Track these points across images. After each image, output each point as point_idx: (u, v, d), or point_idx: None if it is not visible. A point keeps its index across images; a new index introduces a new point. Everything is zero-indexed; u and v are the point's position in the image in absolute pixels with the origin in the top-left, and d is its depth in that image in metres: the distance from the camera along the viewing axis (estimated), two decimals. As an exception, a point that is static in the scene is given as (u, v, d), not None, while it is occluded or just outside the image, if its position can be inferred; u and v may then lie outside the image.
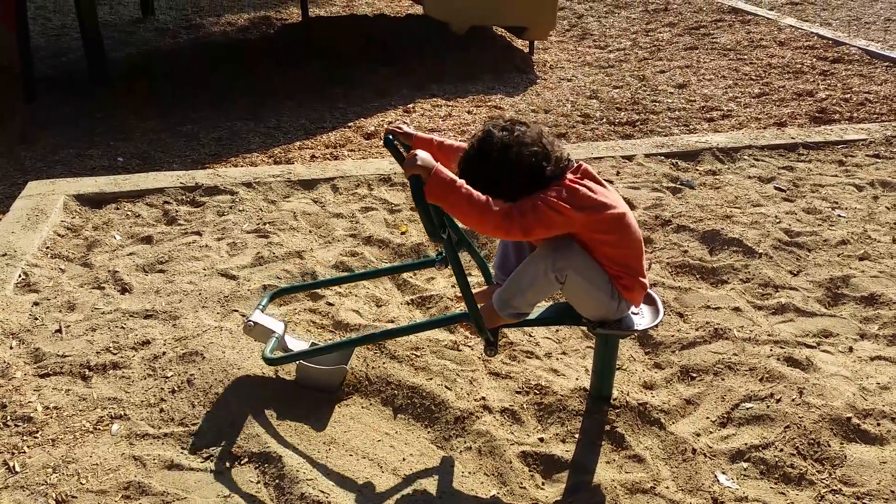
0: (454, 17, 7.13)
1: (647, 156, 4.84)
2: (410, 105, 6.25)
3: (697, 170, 4.72)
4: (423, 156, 2.13)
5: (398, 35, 8.52)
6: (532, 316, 2.48)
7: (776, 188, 4.44)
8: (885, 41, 7.97)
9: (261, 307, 2.72)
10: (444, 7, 7.06)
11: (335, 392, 2.66)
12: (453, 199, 2.13)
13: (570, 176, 2.28)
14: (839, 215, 4.07)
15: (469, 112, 6.10)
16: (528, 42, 7.80)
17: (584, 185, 2.25)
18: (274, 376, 2.70)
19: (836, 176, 4.62)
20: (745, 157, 4.88)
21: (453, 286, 3.40)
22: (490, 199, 2.17)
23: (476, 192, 2.16)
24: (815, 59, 7.36)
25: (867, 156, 4.91)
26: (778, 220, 3.97)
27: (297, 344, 2.73)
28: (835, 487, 2.28)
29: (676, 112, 6.05)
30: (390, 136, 2.60)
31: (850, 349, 2.97)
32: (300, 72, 7.08)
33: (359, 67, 7.11)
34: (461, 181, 2.15)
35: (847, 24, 8.91)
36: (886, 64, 7.09)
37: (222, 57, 7.60)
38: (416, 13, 9.35)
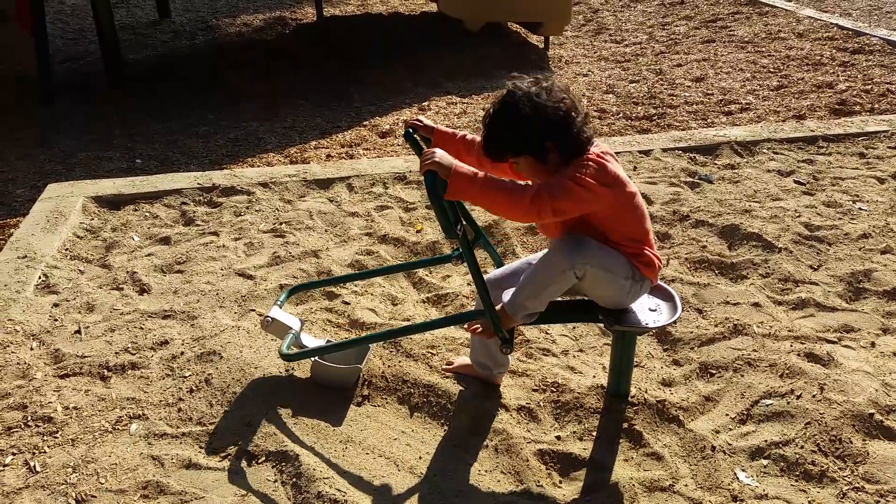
0: (468, 13, 7.12)
1: (664, 150, 4.80)
2: (425, 103, 6.25)
3: (716, 164, 4.67)
4: (440, 153, 2.11)
5: (413, 33, 8.51)
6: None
7: (796, 182, 4.38)
8: (907, 31, 7.84)
9: (279, 303, 2.72)
10: (458, 4, 7.05)
11: (350, 391, 2.66)
12: (478, 190, 2.10)
13: (593, 150, 2.23)
14: (860, 208, 4.01)
15: (484, 109, 6.07)
16: (543, 38, 7.76)
17: (608, 160, 2.22)
18: (287, 374, 2.71)
19: (857, 168, 4.56)
20: (764, 150, 4.83)
21: (469, 284, 3.39)
22: (515, 181, 2.14)
23: (500, 179, 2.12)
24: (834, 51, 7.26)
25: (889, 147, 4.83)
26: (798, 214, 3.92)
27: (312, 342, 2.73)
28: (857, 485, 2.24)
29: (694, 106, 5.99)
30: (410, 130, 2.58)
31: (872, 344, 2.93)
32: (315, 71, 7.10)
33: (373, 66, 7.12)
34: (482, 173, 2.11)
35: (868, 14, 8.78)
36: (908, 54, 6.98)
37: (238, 58, 7.64)
38: (431, 11, 9.34)
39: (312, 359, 2.63)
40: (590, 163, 2.17)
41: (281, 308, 2.71)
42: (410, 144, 2.61)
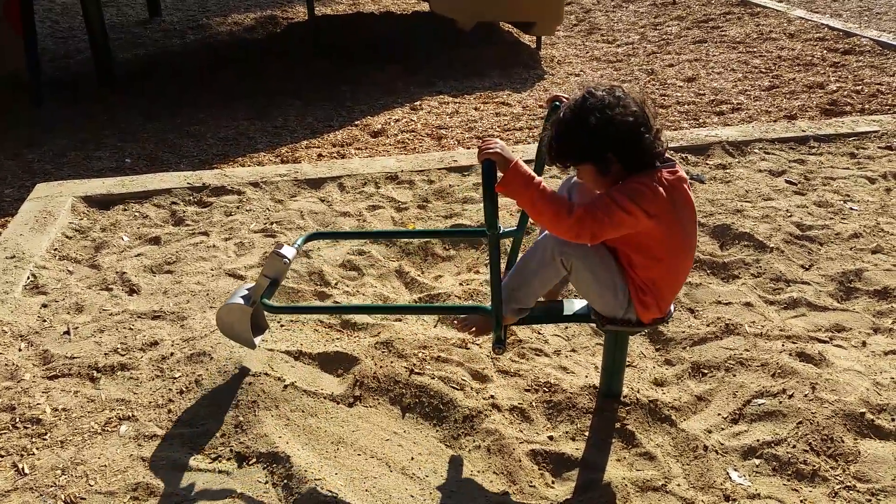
0: (460, 13, 7.11)
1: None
2: (417, 102, 6.23)
3: (707, 164, 4.68)
4: (502, 144, 2.09)
5: (404, 32, 8.50)
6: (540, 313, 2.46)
7: (787, 181, 4.39)
8: (897, 31, 7.88)
9: (296, 246, 2.64)
10: (450, 3, 7.03)
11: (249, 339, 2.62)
12: (529, 195, 2.06)
13: (666, 174, 2.14)
14: (851, 208, 4.02)
15: (476, 109, 6.08)
16: (535, 38, 7.76)
17: (673, 189, 2.12)
18: (278, 375, 2.69)
19: (848, 168, 4.57)
20: (756, 150, 4.84)
21: (461, 284, 3.38)
22: (564, 198, 2.09)
23: (552, 191, 2.08)
24: (825, 51, 7.28)
25: (879, 148, 4.85)
26: (789, 214, 3.93)
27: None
28: (849, 484, 2.25)
29: (686, 106, 6.00)
30: (557, 104, 2.43)
31: (864, 343, 2.93)
32: (307, 71, 7.08)
33: (365, 65, 7.10)
34: (538, 178, 2.08)
35: (858, 15, 8.82)
36: (898, 54, 7.01)
37: (229, 57, 7.61)
38: (423, 10, 9.33)
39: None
40: (647, 186, 2.09)
41: (296, 251, 2.62)
42: (550, 117, 2.43)
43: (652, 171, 2.13)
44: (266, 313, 2.71)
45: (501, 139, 5.40)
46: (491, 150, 2.06)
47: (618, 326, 2.38)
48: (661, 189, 2.09)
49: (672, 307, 2.45)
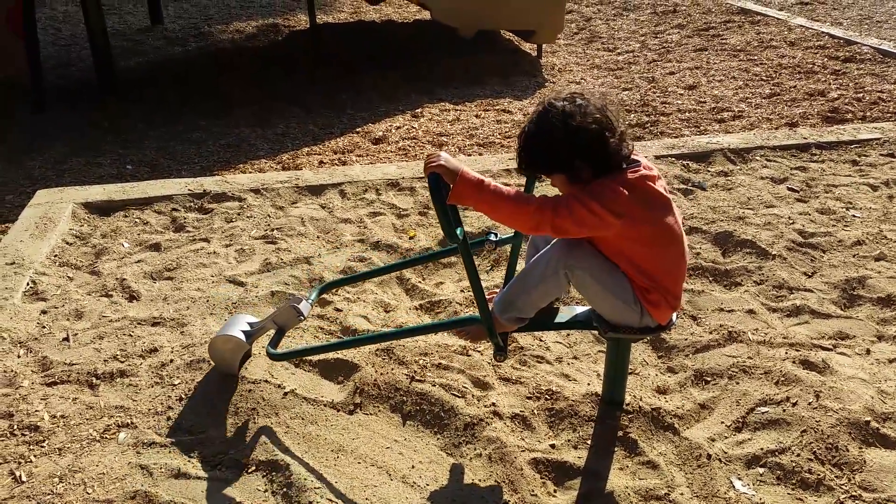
0: (462, 21, 7.11)
1: (657, 157, 4.79)
2: (419, 110, 6.23)
3: (709, 171, 4.67)
4: (445, 156, 2.10)
5: (406, 40, 8.51)
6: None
7: (789, 189, 4.38)
8: (898, 40, 7.89)
9: (310, 301, 2.68)
10: (451, 12, 7.04)
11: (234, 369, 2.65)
12: (483, 198, 2.08)
13: (629, 175, 2.16)
14: (854, 215, 4.01)
15: (477, 116, 6.08)
16: (536, 46, 7.77)
17: (635, 188, 2.14)
18: (278, 382, 2.67)
19: (850, 176, 4.56)
20: (757, 157, 4.83)
21: (462, 291, 3.37)
22: (521, 192, 2.10)
23: (506, 188, 2.10)
24: (826, 59, 7.28)
25: (881, 155, 4.84)
26: (791, 221, 3.92)
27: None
28: (854, 493, 2.23)
29: (687, 113, 6.00)
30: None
31: (868, 351, 2.92)
32: (308, 78, 7.08)
33: (366, 73, 7.10)
34: (488, 180, 2.10)
35: (858, 24, 8.82)
36: (899, 62, 7.01)
37: (231, 64, 7.61)
38: (424, 18, 9.34)
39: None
40: (608, 187, 2.11)
41: (311, 305, 2.66)
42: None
43: (616, 174, 2.16)
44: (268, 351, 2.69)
45: (503, 144, 5.39)
46: (434, 164, 2.08)
47: (621, 333, 2.36)
48: (622, 189, 2.12)
49: (675, 315, 2.43)
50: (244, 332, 2.64)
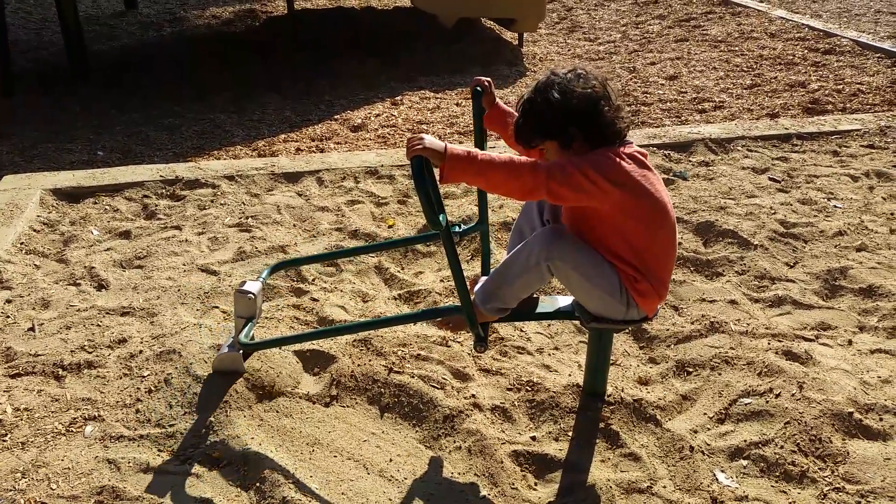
0: (442, 9, 7.03)
1: (639, 147, 4.75)
2: (398, 97, 6.15)
3: (690, 161, 4.64)
4: (428, 138, 2.02)
5: (386, 27, 8.41)
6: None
7: (770, 179, 4.36)
8: (876, 32, 7.91)
9: (262, 279, 2.62)
10: (432, -1, 6.96)
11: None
12: (476, 169, 1.99)
13: (622, 149, 2.15)
14: (835, 206, 4.00)
15: (458, 104, 6.00)
16: (517, 34, 7.70)
17: (631, 162, 2.12)
18: (251, 374, 2.59)
19: (831, 166, 4.55)
20: (739, 147, 4.81)
21: (442, 281, 3.30)
22: (513, 157, 2.03)
23: (497, 155, 2.02)
24: (806, 51, 7.29)
25: (862, 146, 4.84)
26: (773, 211, 3.90)
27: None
28: (837, 485, 2.20)
29: (668, 104, 5.97)
30: (479, 89, 2.59)
31: (850, 342, 2.90)
32: (286, 64, 6.96)
33: (346, 60, 7.00)
34: (477, 150, 2.02)
35: (837, 16, 8.85)
36: (878, 55, 7.03)
37: (206, 50, 7.47)
38: (404, 5, 9.24)
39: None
40: (605, 156, 2.08)
41: (262, 283, 2.60)
42: (474, 103, 2.62)
43: (611, 147, 2.15)
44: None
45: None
46: (419, 147, 1.97)
47: (603, 324, 2.31)
48: (618, 160, 2.10)
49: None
50: (230, 346, 2.57)
